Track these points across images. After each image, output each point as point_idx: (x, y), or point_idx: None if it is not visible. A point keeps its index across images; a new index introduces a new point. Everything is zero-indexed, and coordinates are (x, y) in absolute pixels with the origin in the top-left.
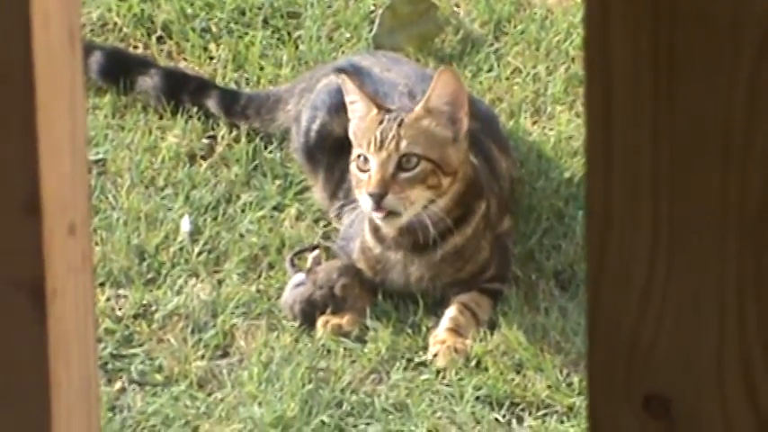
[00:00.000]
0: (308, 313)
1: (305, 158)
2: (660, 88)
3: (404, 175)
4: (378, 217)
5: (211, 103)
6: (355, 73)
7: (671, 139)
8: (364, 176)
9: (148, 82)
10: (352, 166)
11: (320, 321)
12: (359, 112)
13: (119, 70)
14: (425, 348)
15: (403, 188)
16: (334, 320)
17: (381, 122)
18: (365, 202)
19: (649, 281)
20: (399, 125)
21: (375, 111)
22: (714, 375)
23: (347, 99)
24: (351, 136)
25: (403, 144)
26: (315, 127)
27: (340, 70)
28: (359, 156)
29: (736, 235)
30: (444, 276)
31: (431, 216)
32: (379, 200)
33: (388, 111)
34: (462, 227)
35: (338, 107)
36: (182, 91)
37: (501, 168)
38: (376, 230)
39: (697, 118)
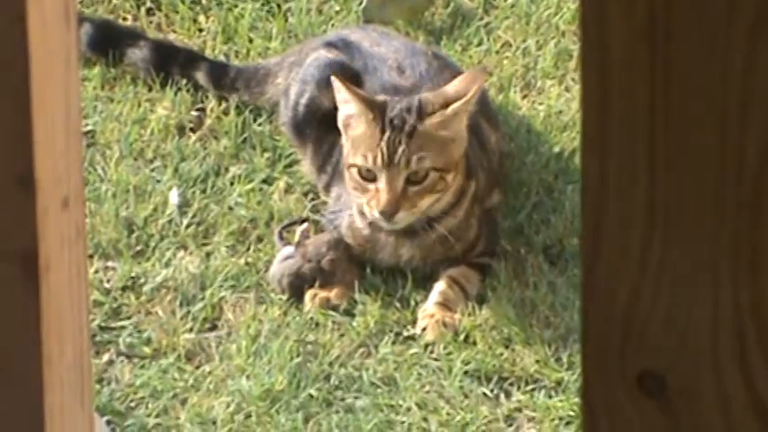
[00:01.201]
0: (297, 286)
1: (293, 132)
2: (656, 60)
3: (413, 188)
4: (385, 226)
5: (200, 76)
6: (344, 47)
7: (667, 113)
8: (370, 186)
9: (138, 54)
10: (353, 172)
11: (308, 295)
12: (351, 110)
13: (108, 42)
14: (414, 322)
15: (414, 202)
16: (323, 294)
17: (384, 131)
18: (374, 216)
19: (644, 257)
20: (409, 137)
21: (371, 114)
22: (709, 352)
23: (338, 97)
24: (344, 133)
25: (413, 160)
26: (303, 101)
27: (329, 44)
28: (360, 166)
29: (732, 212)
30: (435, 255)
31: (433, 211)
32: (390, 217)
33: (382, 109)
34: (454, 210)
35: (327, 81)
36: (171, 63)
37: (490, 143)
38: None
39: (693, 91)
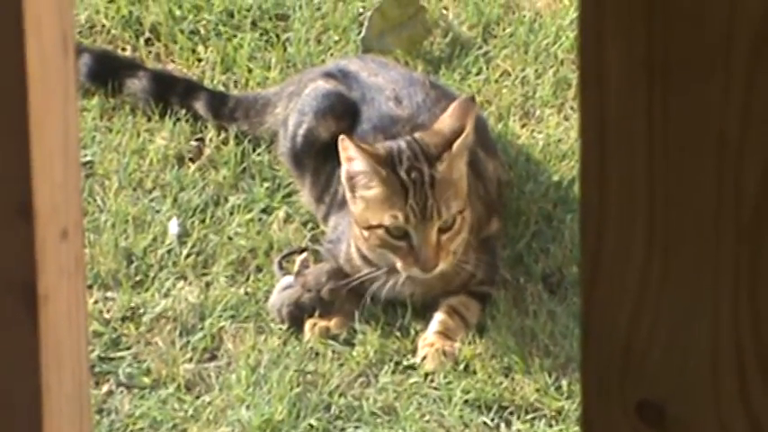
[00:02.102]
0: (296, 316)
1: (292, 162)
2: (655, 91)
3: (445, 236)
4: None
5: (199, 106)
6: (342, 77)
7: (665, 143)
8: (400, 244)
9: (137, 84)
10: (379, 233)
11: (308, 324)
12: (359, 168)
13: (107, 73)
14: (414, 351)
15: (447, 249)
16: (322, 323)
17: (406, 188)
18: (412, 273)
19: (643, 286)
20: (432, 187)
21: (383, 172)
22: (708, 382)
23: (343, 154)
24: (349, 190)
25: (443, 210)
26: (301, 131)
27: (328, 75)
28: (390, 226)
29: (731, 240)
30: (435, 290)
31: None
32: (431, 271)
33: (390, 163)
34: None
35: (325, 112)
36: (170, 93)
37: (488, 171)
38: (365, 257)
39: (692, 121)
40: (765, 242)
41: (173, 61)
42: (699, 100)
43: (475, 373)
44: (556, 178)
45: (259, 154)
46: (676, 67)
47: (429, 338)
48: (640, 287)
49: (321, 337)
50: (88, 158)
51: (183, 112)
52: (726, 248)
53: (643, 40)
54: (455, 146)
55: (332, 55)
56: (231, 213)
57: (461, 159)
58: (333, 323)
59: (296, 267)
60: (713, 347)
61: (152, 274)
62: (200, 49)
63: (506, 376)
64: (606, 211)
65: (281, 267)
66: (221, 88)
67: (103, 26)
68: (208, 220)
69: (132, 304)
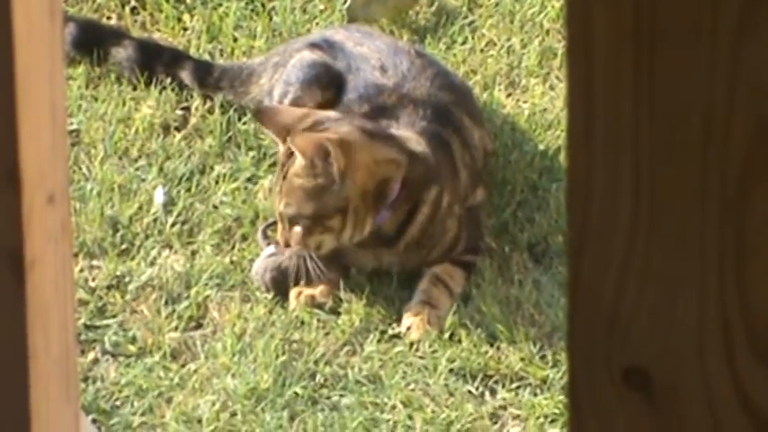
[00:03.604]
0: (280, 282)
1: None
2: (641, 61)
3: (295, 229)
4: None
5: (185, 75)
6: (328, 48)
7: (652, 113)
8: None
9: (122, 53)
10: None
11: (293, 293)
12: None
13: (92, 42)
14: (399, 320)
15: (298, 240)
16: (308, 291)
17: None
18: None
19: (629, 256)
20: (281, 184)
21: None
22: (694, 349)
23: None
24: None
25: (281, 206)
26: (287, 102)
27: (313, 45)
28: None
29: (716, 209)
30: (414, 260)
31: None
32: (286, 247)
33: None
34: (415, 217)
35: (311, 82)
36: (155, 62)
37: (473, 140)
38: None
39: (678, 91)
40: (751, 213)
41: (158, 30)
42: (685, 70)
43: (460, 341)
44: (541, 148)
45: (245, 123)
46: (663, 36)
47: (413, 308)
48: (626, 257)
49: (306, 306)
50: (74, 127)
51: (169, 80)
52: (711, 217)
53: (630, 9)
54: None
55: (317, 24)
56: (217, 182)
57: (313, 169)
58: (318, 291)
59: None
60: (699, 316)
61: (138, 243)
62: (186, 17)
63: (491, 345)
64: (593, 182)
65: (265, 236)
66: (207, 57)
67: None
68: (193, 189)
69: (118, 273)
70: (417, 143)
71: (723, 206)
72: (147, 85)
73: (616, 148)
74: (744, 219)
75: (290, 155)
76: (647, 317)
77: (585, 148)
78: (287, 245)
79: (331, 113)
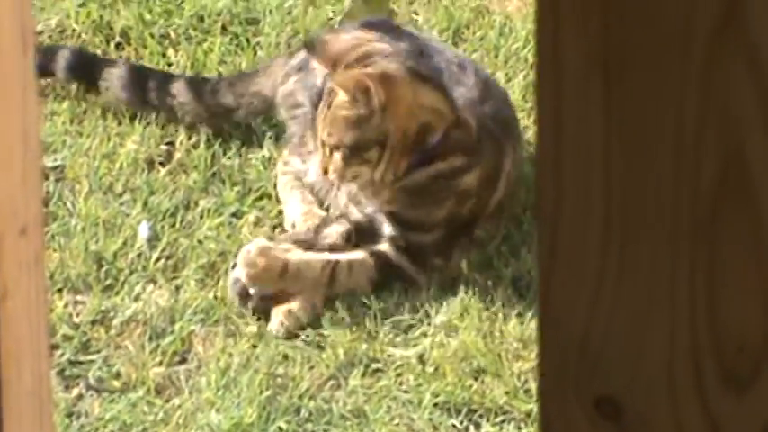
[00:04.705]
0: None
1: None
2: (612, 87)
3: (335, 157)
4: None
5: (179, 88)
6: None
7: (622, 139)
8: None
9: (114, 73)
10: None
11: (273, 313)
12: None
13: (85, 65)
14: (383, 354)
15: (337, 168)
16: (284, 307)
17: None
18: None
19: (600, 283)
20: (326, 113)
21: None
22: (665, 379)
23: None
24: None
25: (324, 134)
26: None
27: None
28: None
29: (688, 235)
30: (391, 206)
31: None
32: (324, 174)
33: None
34: (432, 165)
35: None
36: (147, 81)
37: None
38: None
39: (649, 117)
40: (721, 238)
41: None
42: (656, 96)
43: (444, 375)
44: (526, 182)
45: (229, 158)
46: (633, 62)
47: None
48: (596, 285)
49: (288, 323)
50: (58, 163)
51: (158, 101)
52: (682, 244)
53: (599, 35)
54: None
55: None
56: (201, 217)
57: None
58: (296, 305)
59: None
60: (670, 345)
61: (122, 278)
62: (171, 53)
63: (476, 379)
64: (562, 211)
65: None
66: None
67: (74, 30)
68: (178, 224)
69: (102, 308)
70: (470, 116)
71: (694, 234)
72: (132, 119)
73: (586, 174)
74: (714, 247)
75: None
76: (618, 345)
77: (554, 173)
78: (325, 172)
79: (385, 47)
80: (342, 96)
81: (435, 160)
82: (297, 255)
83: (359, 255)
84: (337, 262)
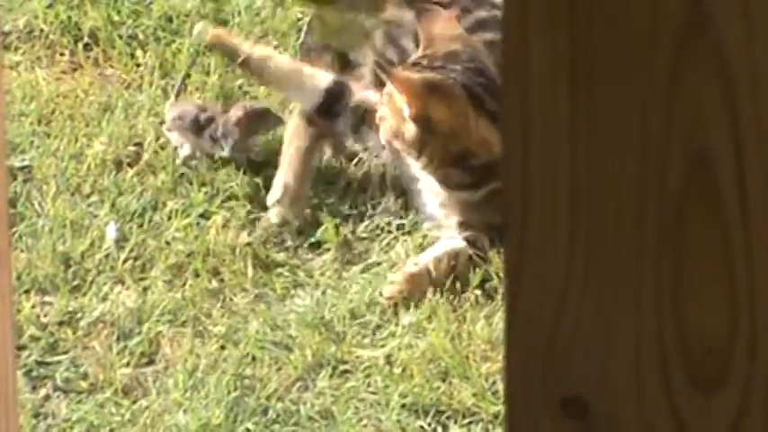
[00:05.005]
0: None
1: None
2: (578, 91)
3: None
4: None
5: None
6: None
7: (589, 142)
8: None
9: None
10: None
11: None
12: None
13: None
14: (351, 355)
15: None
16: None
17: None
18: None
19: (567, 285)
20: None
21: None
22: (632, 380)
23: None
24: None
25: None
26: None
27: None
28: None
29: (654, 237)
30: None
31: None
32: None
33: None
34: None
35: None
36: None
37: None
38: None
39: (615, 120)
40: (687, 240)
41: (111, 66)
42: (622, 99)
43: (412, 377)
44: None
45: (198, 158)
46: (599, 66)
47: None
48: (563, 287)
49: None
50: (26, 163)
51: (122, 116)
52: (649, 246)
53: (566, 40)
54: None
55: None
56: (169, 218)
57: None
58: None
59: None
60: (636, 345)
61: (90, 279)
62: (139, 53)
63: (444, 381)
64: (529, 213)
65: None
66: (160, 93)
67: (42, 31)
68: (146, 225)
69: (70, 309)
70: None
71: (660, 236)
72: (101, 119)
73: (553, 177)
74: (681, 249)
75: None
76: (585, 347)
77: (522, 177)
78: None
79: (463, 58)
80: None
81: (490, 179)
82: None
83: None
84: (458, 254)
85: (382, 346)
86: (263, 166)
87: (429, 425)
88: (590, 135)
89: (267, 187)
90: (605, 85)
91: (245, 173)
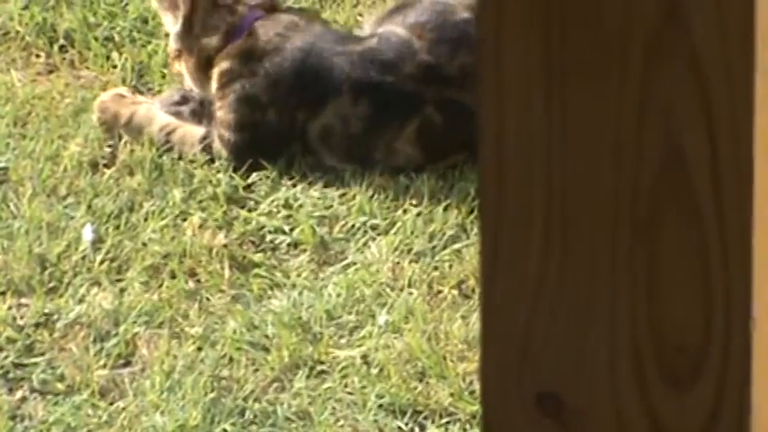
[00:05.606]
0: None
1: None
2: (553, 91)
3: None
4: None
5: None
6: None
7: (564, 142)
8: None
9: None
10: None
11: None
12: None
13: None
14: (327, 356)
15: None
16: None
17: None
18: None
19: (541, 281)
20: None
21: None
22: (605, 374)
23: None
24: None
25: None
26: None
27: None
28: None
29: (628, 235)
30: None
31: None
32: None
33: None
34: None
35: None
36: None
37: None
38: None
39: (590, 120)
40: (661, 237)
41: (87, 68)
42: (596, 98)
43: (389, 377)
44: (471, 188)
45: (174, 159)
46: (574, 65)
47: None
48: (538, 283)
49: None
50: (2, 165)
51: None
52: (623, 244)
53: (540, 40)
54: None
55: None
56: (146, 219)
57: None
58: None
59: None
60: (610, 341)
61: (66, 281)
62: (115, 55)
63: (421, 381)
64: (504, 210)
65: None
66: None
67: (17, 32)
68: (122, 226)
69: (46, 310)
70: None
71: (634, 234)
72: (76, 121)
73: (528, 179)
74: (655, 247)
75: None
76: (560, 344)
77: (497, 176)
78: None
79: None
80: None
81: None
82: (144, 109)
83: (198, 130)
84: (175, 129)
85: (359, 346)
86: (240, 166)
87: (406, 425)
88: (564, 134)
89: (244, 188)
90: (580, 84)
91: (222, 173)
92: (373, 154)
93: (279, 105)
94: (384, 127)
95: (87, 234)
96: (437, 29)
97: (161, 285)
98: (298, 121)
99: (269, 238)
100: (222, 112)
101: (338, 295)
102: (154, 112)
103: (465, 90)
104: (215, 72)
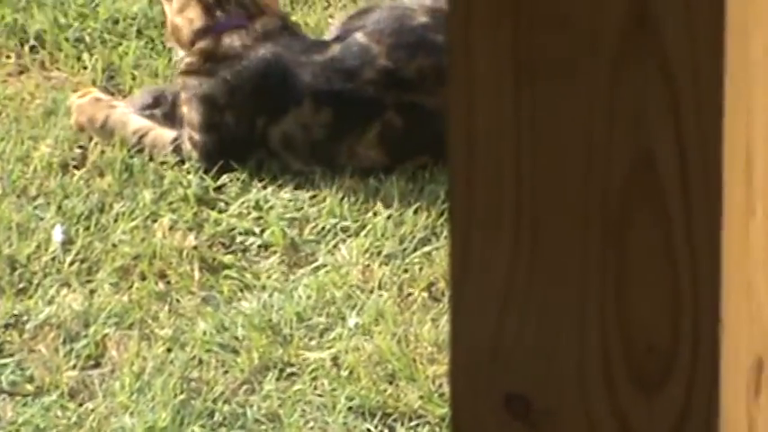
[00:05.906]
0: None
1: None
2: (522, 88)
3: None
4: None
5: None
6: None
7: (533, 144)
8: None
9: None
10: None
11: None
12: None
13: None
14: (297, 358)
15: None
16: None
17: None
18: None
19: (511, 283)
20: None
21: None
22: (574, 376)
23: None
24: None
25: None
26: None
27: None
28: None
29: (598, 237)
30: None
31: None
32: None
33: None
34: None
35: None
36: None
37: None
38: None
39: (559, 119)
40: (631, 239)
41: (58, 69)
42: (566, 99)
43: (359, 379)
44: (442, 191)
45: (144, 161)
46: (543, 67)
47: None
48: (507, 284)
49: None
50: None
51: (68, 119)
52: (592, 246)
53: (509, 41)
54: None
55: None
56: (116, 220)
57: None
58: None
59: None
60: (580, 343)
61: (36, 282)
62: (86, 56)
63: (390, 383)
64: (474, 211)
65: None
66: (107, 96)
67: None
68: (92, 228)
69: (15, 311)
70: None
71: (604, 236)
72: (47, 122)
73: (497, 180)
74: (624, 249)
75: None
76: (529, 346)
77: (467, 180)
78: None
79: None
80: None
81: None
82: (119, 113)
83: (171, 133)
84: (148, 132)
85: (329, 348)
86: (211, 168)
87: (376, 427)
88: (534, 134)
89: (215, 189)
90: (549, 84)
91: (192, 175)
92: (336, 158)
93: (236, 109)
94: (345, 133)
95: (57, 235)
96: (395, 34)
97: (131, 287)
98: (257, 126)
99: (239, 239)
100: (186, 108)
101: (308, 297)
102: (128, 115)
103: (424, 93)
104: (183, 59)
